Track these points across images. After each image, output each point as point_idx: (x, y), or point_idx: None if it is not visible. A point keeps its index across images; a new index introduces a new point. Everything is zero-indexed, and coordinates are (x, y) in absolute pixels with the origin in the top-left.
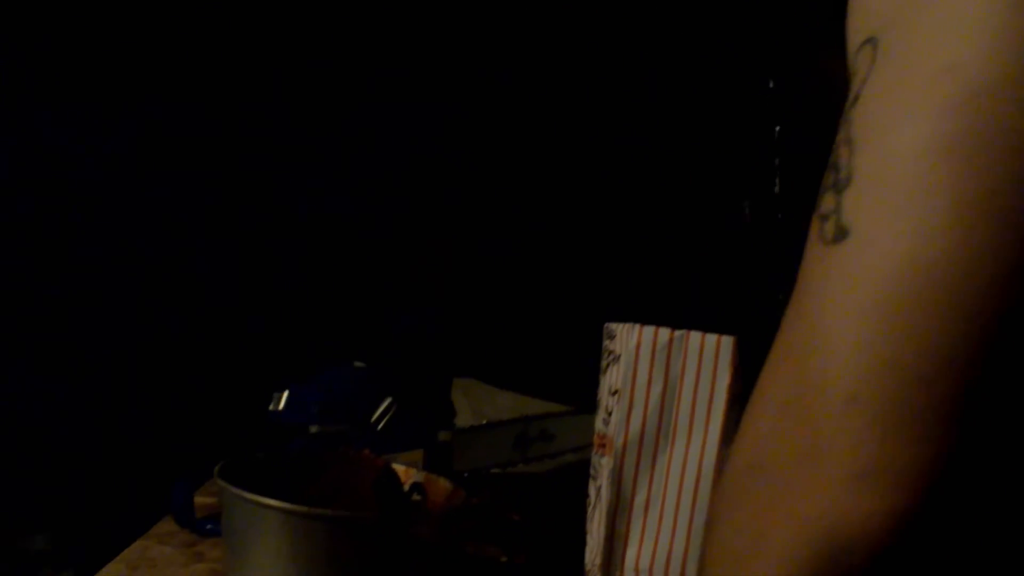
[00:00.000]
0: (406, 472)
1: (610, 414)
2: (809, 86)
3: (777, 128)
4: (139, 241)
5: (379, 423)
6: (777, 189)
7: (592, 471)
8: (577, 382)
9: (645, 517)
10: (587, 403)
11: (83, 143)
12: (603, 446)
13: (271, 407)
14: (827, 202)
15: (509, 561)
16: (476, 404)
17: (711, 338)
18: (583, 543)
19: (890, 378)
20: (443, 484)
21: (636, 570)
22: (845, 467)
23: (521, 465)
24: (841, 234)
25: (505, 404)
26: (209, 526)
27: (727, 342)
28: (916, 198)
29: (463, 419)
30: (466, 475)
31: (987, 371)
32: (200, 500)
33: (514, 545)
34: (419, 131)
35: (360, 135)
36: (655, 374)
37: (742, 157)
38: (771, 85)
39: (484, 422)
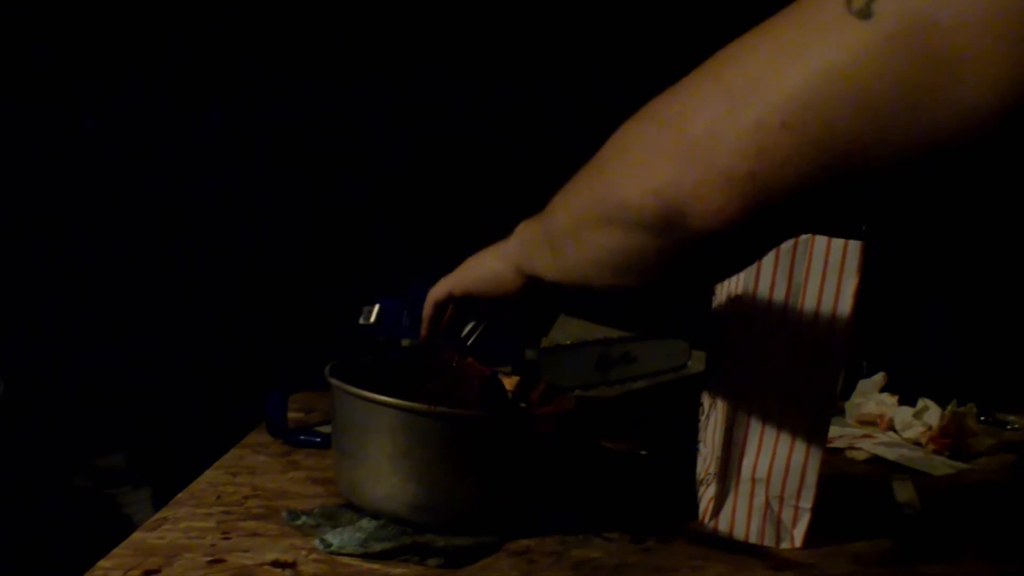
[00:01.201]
0: (510, 381)
1: (729, 321)
2: None
3: None
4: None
5: (469, 338)
6: None
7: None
8: (649, 310)
9: (763, 425)
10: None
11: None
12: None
13: (361, 321)
14: None
15: (649, 455)
16: (552, 332)
17: (838, 242)
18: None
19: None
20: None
21: (753, 479)
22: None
23: (603, 388)
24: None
25: (575, 331)
26: (302, 437)
27: (854, 246)
28: None
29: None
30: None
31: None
32: (289, 415)
33: (644, 443)
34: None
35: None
36: (778, 278)
37: None
38: None
39: (569, 342)
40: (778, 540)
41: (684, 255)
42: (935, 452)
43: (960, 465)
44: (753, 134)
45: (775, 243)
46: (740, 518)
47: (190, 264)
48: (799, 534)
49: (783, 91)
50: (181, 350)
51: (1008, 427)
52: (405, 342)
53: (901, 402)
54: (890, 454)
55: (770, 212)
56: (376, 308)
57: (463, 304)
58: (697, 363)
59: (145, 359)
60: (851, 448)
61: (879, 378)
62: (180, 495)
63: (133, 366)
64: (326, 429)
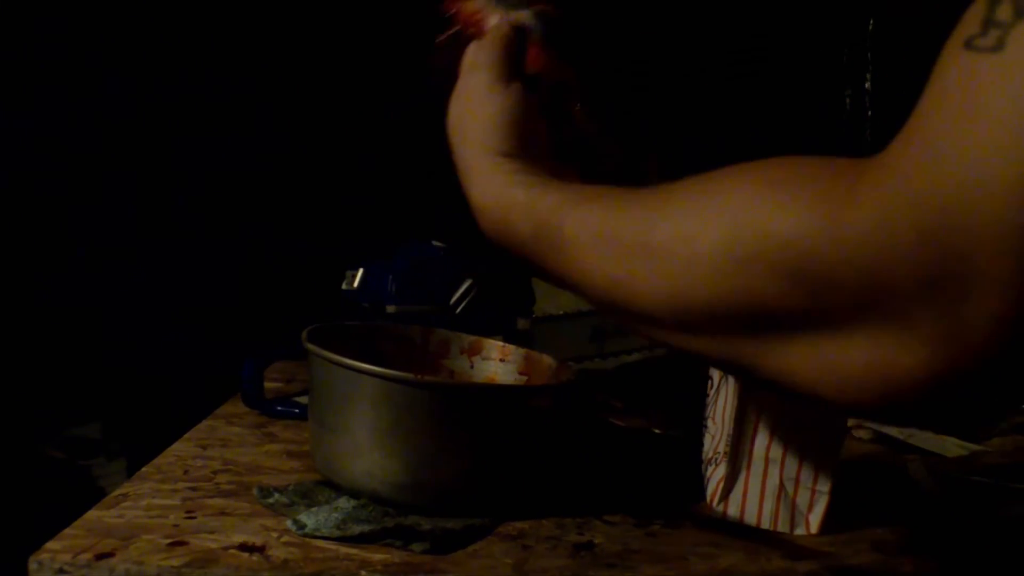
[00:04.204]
0: (504, 348)
1: None
2: None
3: (871, 22)
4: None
5: (458, 306)
6: (868, 85)
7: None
8: None
9: (780, 401)
10: None
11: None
12: None
13: (344, 286)
14: (1001, 12)
15: (663, 433)
16: (545, 302)
17: None
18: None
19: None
20: (547, 361)
21: (767, 459)
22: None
23: (598, 360)
24: (1000, 44)
25: (571, 302)
26: (279, 407)
27: None
28: None
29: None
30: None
31: None
32: (266, 384)
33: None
34: None
35: None
36: None
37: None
38: None
39: (562, 313)
40: (792, 525)
41: None
42: (945, 432)
43: (972, 446)
44: None
45: None
46: (752, 501)
47: (172, 225)
48: (815, 519)
49: None
50: (160, 314)
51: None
52: (390, 308)
53: None
54: (899, 433)
55: None
56: (360, 273)
57: None
58: None
59: (122, 323)
60: (857, 427)
61: None
62: (145, 469)
63: (109, 331)
64: (306, 400)
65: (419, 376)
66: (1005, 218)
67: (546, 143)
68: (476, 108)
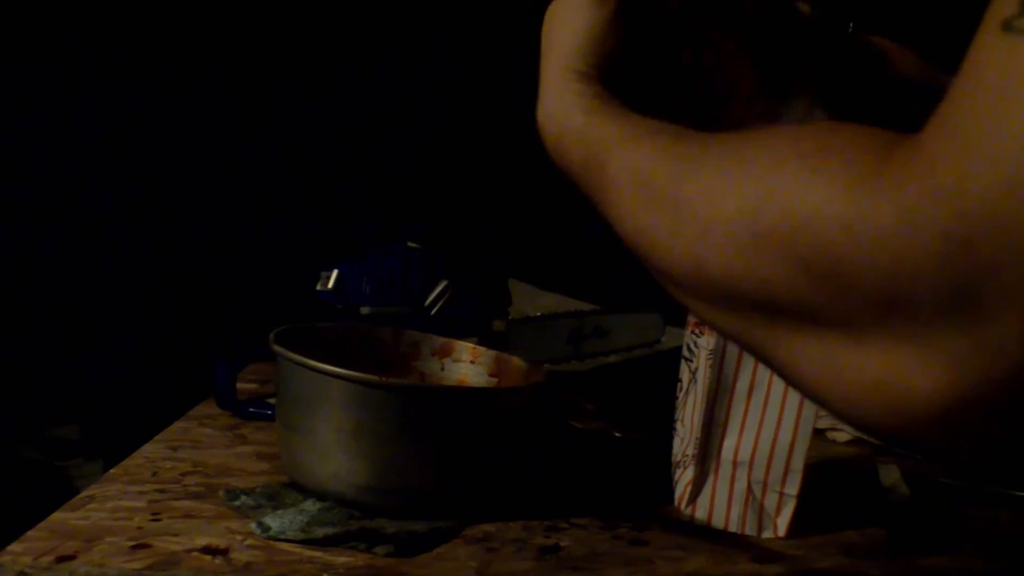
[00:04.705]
0: (475, 351)
1: None
2: None
3: None
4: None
5: (433, 307)
6: None
7: (686, 353)
8: (623, 284)
9: (748, 403)
10: (636, 304)
11: None
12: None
13: (319, 287)
14: None
15: (624, 437)
16: (520, 303)
17: None
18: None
19: None
20: (516, 363)
21: (734, 462)
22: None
23: (574, 362)
24: None
25: (549, 304)
26: (252, 409)
27: None
28: None
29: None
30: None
31: None
32: (240, 386)
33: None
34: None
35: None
36: None
37: None
38: None
39: (539, 314)
40: (760, 529)
41: None
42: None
43: None
44: None
45: None
46: (720, 504)
47: (153, 228)
48: (783, 523)
49: None
50: (140, 315)
51: None
52: (365, 310)
53: None
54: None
55: None
56: (335, 274)
57: None
58: (671, 338)
59: (102, 324)
60: (832, 429)
61: None
62: (113, 470)
63: (88, 332)
64: None
65: (383, 378)
66: None
67: (647, 71)
68: (565, 21)
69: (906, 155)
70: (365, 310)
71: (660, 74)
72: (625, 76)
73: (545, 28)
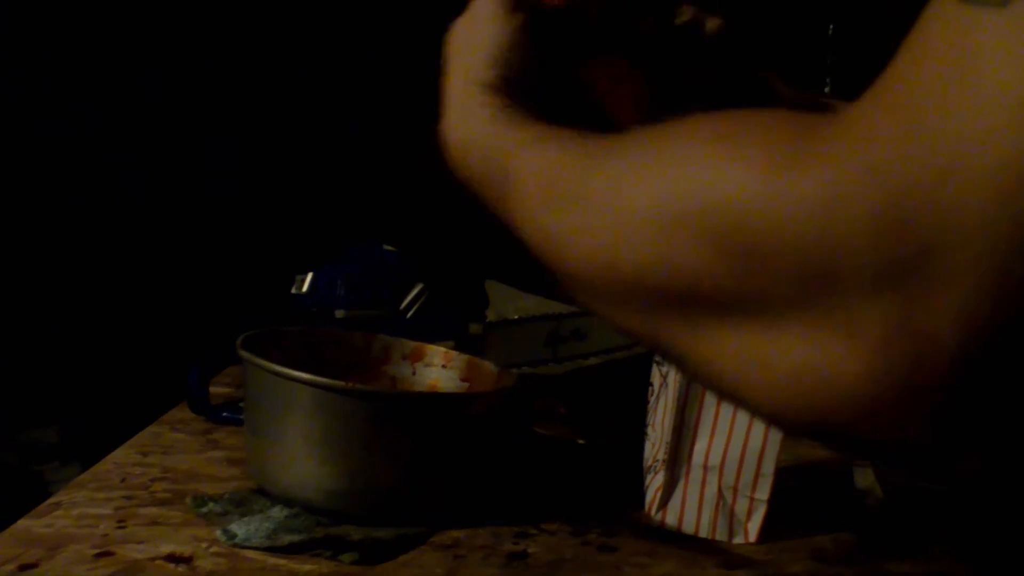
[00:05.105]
0: (446, 355)
1: None
2: None
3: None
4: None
5: (409, 310)
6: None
7: (658, 356)
8: None
9: (718, 407)
10: None
11: None
12: None
13: (294, 290)
14: None
15: (588, 444)
16: (499, 305)
17: None
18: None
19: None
20: (488, 367)
21: (705, 467)
22: None
23: (552, 365)
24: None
25: (528, 306)
26: (225, 414)
27: None
28: None
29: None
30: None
31: None
32: (215, 390)
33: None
34: None
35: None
36: None
37: None
38: None
39: (517, 317)
40: (731, 534)
41: None
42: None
43: None
44: None
45: None
46: (690, 510)
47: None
48: (753, 528)
49: None
50: (119, 319)
51: None
52: (340, 313)
53: None
54: None
55: None
56: (310, 277)
57: None
58: None
59: (81, 327)
60: None
61: None
62: (82, 476)
63: (67, 334)
64: None
65: (350, 384)
66: (987, 209)
67: (555, 83)
68: (472, 33)
69: (833, 130)
70: (340, 313)
71: (559, 90)
72: (526, 92)
73: (450, 42)
